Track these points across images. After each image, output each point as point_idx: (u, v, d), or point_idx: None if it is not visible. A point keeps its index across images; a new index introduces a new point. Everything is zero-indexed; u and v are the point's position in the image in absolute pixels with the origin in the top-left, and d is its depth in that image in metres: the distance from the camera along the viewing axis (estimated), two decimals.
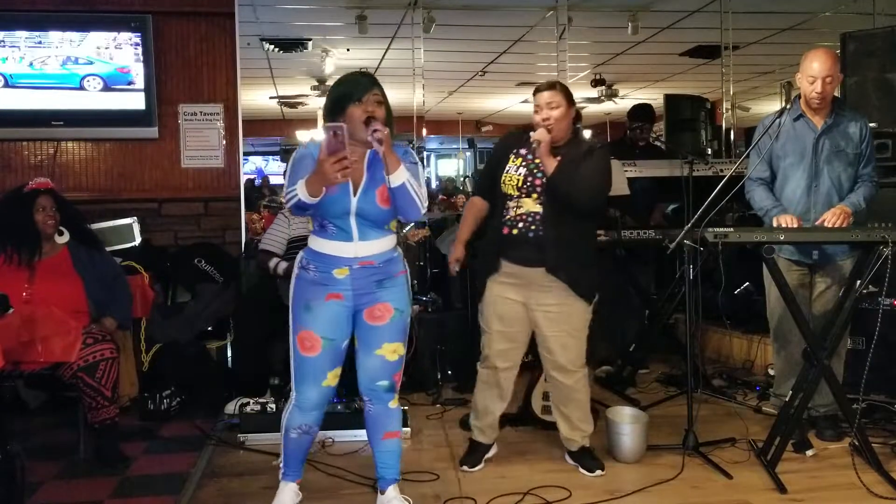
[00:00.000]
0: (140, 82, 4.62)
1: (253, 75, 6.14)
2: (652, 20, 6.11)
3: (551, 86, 2.98)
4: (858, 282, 3.03)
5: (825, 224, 3.12)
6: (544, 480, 2.95)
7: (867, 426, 3.28)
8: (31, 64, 4.56)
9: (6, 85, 4.53)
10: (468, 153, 12.67)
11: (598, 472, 3.03)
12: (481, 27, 6.33)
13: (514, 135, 3.12)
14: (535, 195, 2.93)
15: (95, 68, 4.61)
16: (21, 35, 4.55)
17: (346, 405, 3.46)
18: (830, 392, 3.16)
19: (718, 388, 4.24)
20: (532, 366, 3.48)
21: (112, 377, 3.13)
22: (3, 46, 4.52)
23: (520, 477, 3.02)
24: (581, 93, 8.40)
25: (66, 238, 3.46)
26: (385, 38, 6.19)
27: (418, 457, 3.29)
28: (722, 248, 2.94)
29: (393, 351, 2.53)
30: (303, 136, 9.84)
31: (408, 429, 3.52)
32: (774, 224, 3.20)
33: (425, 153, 6.68)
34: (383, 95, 2.45)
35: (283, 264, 3.79)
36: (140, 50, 4.61)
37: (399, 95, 5.93)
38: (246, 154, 4.98)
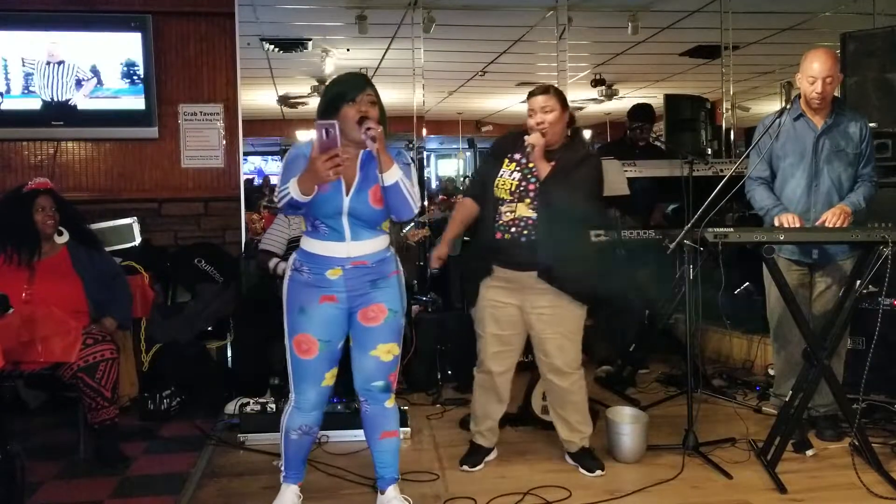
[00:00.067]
0: (140, 82, 4.62)
1: (253, 75, 6.15)
2: (652, 20, 6.11)
3: (545, 90, 2.98)
4: (858, 282, 3.03)
5: (826, 224, 3.12)
6: (544, 480, 2.95)
7: (867, 426, 3.28)
8: (31, 63, 4.56)
9: (6, 84, 4.54)
10: (468, 153, 12.66)
11: (599, 472, 3.03)
12: (481, 27, 6.33)
13: (509, 138, 3.11)
14: (528, 200, 2.93)
15: (95, 68, 4.61)
16: (21, 35, 4.55)
17: (346, 405, 3.46)
18: (830, 392, 3.16)
19: (718, 388, 4.24)
20: (531, 366, 3.47)
21: (112, 378, 3.13)
22: (4, 46, 4.52)
23: (520, 477, 3.02)
24: (581, 93, 8.40)
25: (65, 238, 3.46)
26: (385, 38, 6.19)
27: (418, 457, 3.29)
28: (722, 248, 2.94)
29: (387, 351, 2.53)
30: (303, 136, 9.84)
31: (408, 429, 3.52)
32: (776, 223, 3.21)
33: (425, 153, 6.68)
34: (377, 96, 2.46)
35: (283, 264, 3.79)
36: (140, 50, 4.61)
37: (399, 95, 5.94)
38: (246, 154, 4.97)
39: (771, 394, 3.77)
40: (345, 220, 2.43)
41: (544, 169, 2.88)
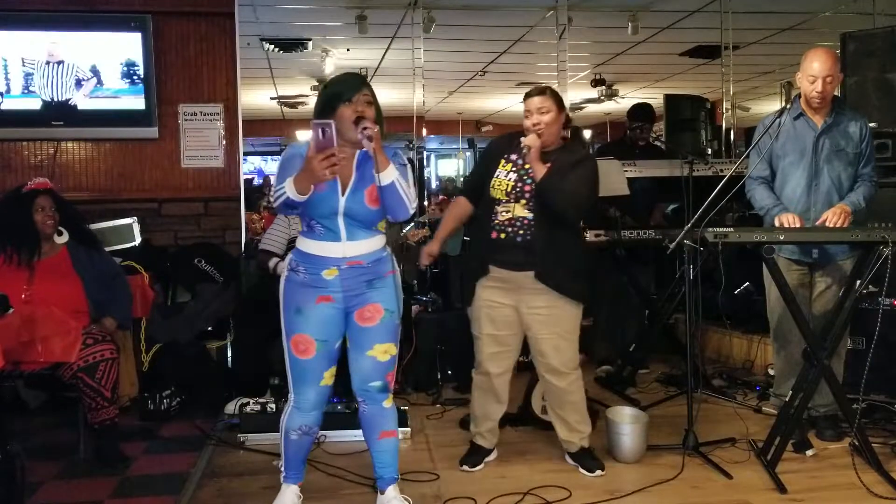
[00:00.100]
0: (140, 82, 4.63)
1: (253, 75, 6.15)
2: (652, 20, 6.11)
3: (541, 91, 2.98)
4: (858, 282, 3.03)
5: (826, 223, 3.12)
6: (544, 480, 2.95)
7: (867, 426, 3.28)
8: (31, 63, 4.56)
9: (6, 84, 4.54)
10: (468, 153, 12.65)
11: (599, 472, 3.03)
12: (481, 27, 6.33)
13: (505, 139, 3.11)
14: (523, 201, 2.94)
15: (95, 68, 4.61)
16: (21, 35, 4.55)
17: (346, 405, 3.46)
18: (830, 392, 3.17)
19: (718, 388, 4.24)
20: (531, 366, 3.47)
21: (112, 378, 3.13)
22: (4, 46, 4.52)
23: (520, 477, 3.02)
24: (581, 93, 8.40)
25: (65, 238, 3.46)
26: (385, 38, 6.19)
27: (418, 457, 3.29)
28: (722, 248, 2.94)
29: (384, 351, 2.53)
30: (303, 136, 9.84)
31: (408, 429, 3.52)
32: (776, 223, 3.21)
33: (425, 153, 6.68)
34: (373, 96, 2.46)
35: (283, 264, 3.79)
36: (140, 50, 4.61)
37: (399, 95, 5.94)
38: (246, 154, 4.97)
39: (771, 394, 3.77)
40: (340, 220, 2.44)
41: (540, 170, 2.88)
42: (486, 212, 3.03)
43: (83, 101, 4.61)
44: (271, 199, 2.40)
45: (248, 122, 4.94)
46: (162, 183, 4.78)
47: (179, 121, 4.78)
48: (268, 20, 5.82)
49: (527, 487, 2.88)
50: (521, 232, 2.92)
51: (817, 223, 3.19)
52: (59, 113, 4.58)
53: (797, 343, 3.27)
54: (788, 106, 3.33)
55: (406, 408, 3.60)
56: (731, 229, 3.02)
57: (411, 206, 2.45)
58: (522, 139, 2.92)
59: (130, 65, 4.62)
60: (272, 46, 6.53)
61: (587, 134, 8.25)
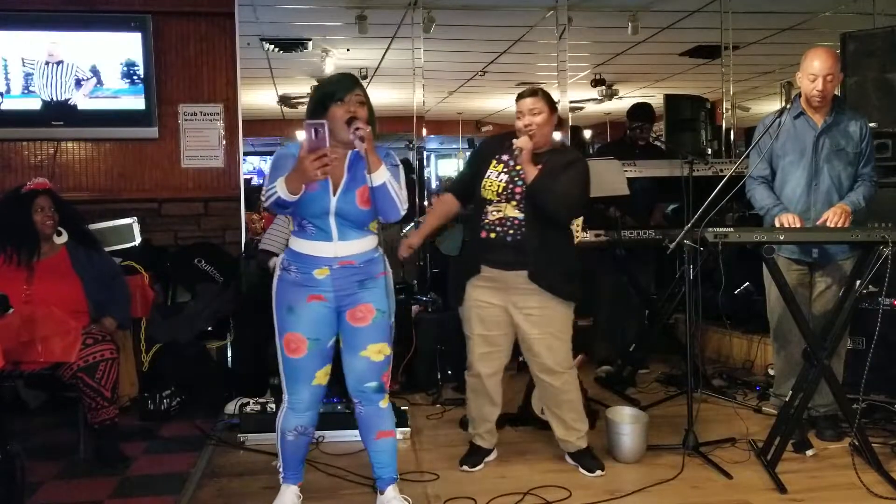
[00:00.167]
0: (140, 82, 4.62)
1: (253, 75, 6.14)
2: (652, 20, 6.10)
3: (533, 92, 2.99)
4: (858, 282, 3.03)
5: (827, 223, 3.12)
6: (544, 480, 2.95)
7: (867, 426, 3.28)
8: (31, 63, 4.56)
9: (6, 84, 4.54)
10: (468, 153, 12.66)
11: (599, 472, 3.03)
12: (481, 27, 6.32)
13: (497, 139, 3.11)
14: (514, 202, 2.94)
15: (95, 68, 4.61)
16: (21, 35, 4.55)
17: (346, 405, 3.46)
18: (830, 392, 3.16)
19: (718, 388, 4.24)
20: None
21: (112, 378, 3.13)
22: (4, 46, 4.52)
23: (520, 477, 3.02)
24: (581, 93, 8.39)
25: (64, 238, 3.46)
26: (385, 38, 6.18)
27: (418, 457, 3.29)
28: (722, 248, 2.94)
29: (378, 351, 2.52)
30: (302, 136, 9.81)
31: (408, 429, 3.52)
32: (776, 223, 3.21)
33: (425, 153, 6.67)
34: (366, 96, 2.47)
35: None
36: (140, 50, 4.61)
37: (399, 95, 5.93)
38: (246, 154, 4.98)
39: (771, 394, 3.77)
40: (332, 220, 2.44)
41: (531, 172, 2.88)
42: (476, 212, 3.03)
43: (83, 101, 4.61)
44: (262, 198, 2.41)
45: (248, 122, 4.94)
46: (162, 183, 4.78)
47: (179, 121, 4.78)
48: (268, 20, 5.81)
49: (527, 487, 2.88)
50: (511, 232, 2.93)
51: (818, 223, 3.19)
52: (59, 113, 4.58)
53: (797, 343, 3.27)
54: (788, 105, 3.33)
55: (406, 408, 3.61)
56: (731, 229, 3.02)
57: (402, 207, 2.45)
58: (514, 140, 2.92)
59: (130, 65, 4.62)
60: (272, 46, 6.53)
61: (587, 134, 8.23)
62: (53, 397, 3.27)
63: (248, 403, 3.50)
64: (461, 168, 3.33)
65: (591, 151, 6.57)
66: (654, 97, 6.35)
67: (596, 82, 8.04)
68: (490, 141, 3.20)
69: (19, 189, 3.42)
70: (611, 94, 8.77)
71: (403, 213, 2.48)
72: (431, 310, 4.62)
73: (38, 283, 3.28)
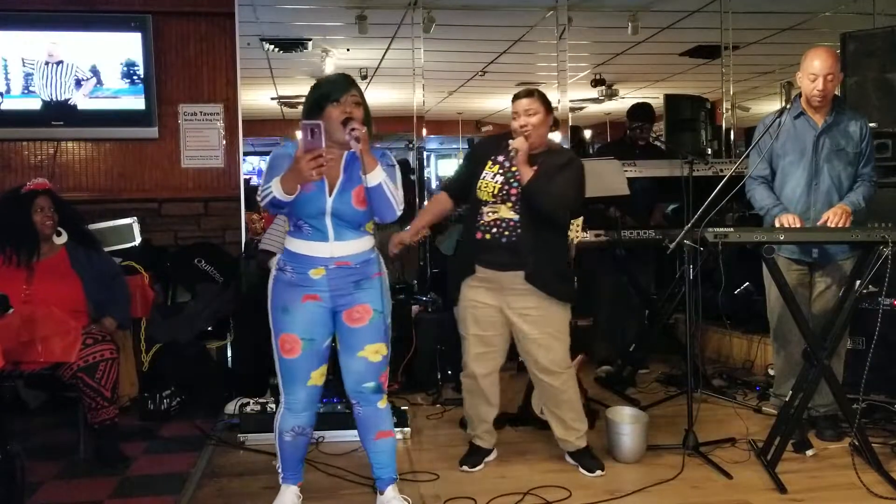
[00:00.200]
0: (140, 82, 4.62)
1: (253, 75, 6.14)
2: (652, 20, 6.10)
3: (529, 93, 2.99)
4: (858, 282, 3.03)
5: (828, 223, 3.12)
6: (544, 480, 2.95)
7: (867, 426, 3.28)
8: (31, 63, 4.56)
9: (6, 84, 4.54)
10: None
11: (599, 472, 3.03)
12: (481, 27, 6.32)
13: (493, 140, 3.11)
14: (509, 203, 2.94)
15: (95, 68, 4.61)
16: (21, 35, 4.55)
17: (346, 405, 3.46)
18: (830, 392, 3.16)
19: (718, 388, 4.24)
20: None
21: (112, 377, 3.13)
22: (4, 46, 4.52)
23: (520, 477, 3.02)
24: (581, 93, 8.39)
25: (64, 238, 3.46)
26: (385, 38, 6.18)
27: (418, 457, 3.29)
28: (722, 248, 2.94)
29: (375, 352, 2.52)
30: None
31: (408, 429, 3.52)
32: (776, 223, 3.21)
33: (425, 153, 6.67)
34: (361, 97, 2.47)
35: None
36: (140, 50, 4.61)
37: (399, 95, 5.93)
38: (246, 154, 4.98)
39: (771, 394, 3.77)
40: (328, 221, 2.44)
41: (527, 173, 2.89)
42: (471, 213, 3.04)
43: (83, 101, 4.61)
44: (258, 198, 2.41)
45: (248, 122, 4.94)
46: (162, 183, 4.78)
47: (179, 121, 4.78)
48: (268, 20, 5.81)
49: (527, 487, 2.88)
50: (506, 233, 2.93)
51: (818, 224, 3.19)
52: (59, 113, 4.58)
53: (797, 343, 3.27)
54: (788, 106, 3.33)
55: (406, 408, 3.61)
56: (731, 229, 3.02)
57: (398, 207, 2.46)
58: (510, 141, 2.92)
59: (130, 65, 4.62)
60: (272, 46, 6.53)
61: (587, 134, 8.23)
62: (53, 397, 3.27)
63: (248, 403, 3.50)
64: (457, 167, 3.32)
65: (591, 151, 6.56)
66: (655, 97, 6.34)
67: (596, 82, 8.04)
68: (486, 141, 3.20)
69: (19, 189, 3.42)
70: (611, 94, 8.76)
71: (399, 213, 2.48)
72: (431, 310, 4.62)
73: (37, 283, 3.28)
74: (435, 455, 3.31)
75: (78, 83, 4.60)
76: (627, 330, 4.72)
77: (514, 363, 3.72)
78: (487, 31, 6.43)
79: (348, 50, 6.75)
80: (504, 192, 2.94)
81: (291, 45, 6.54)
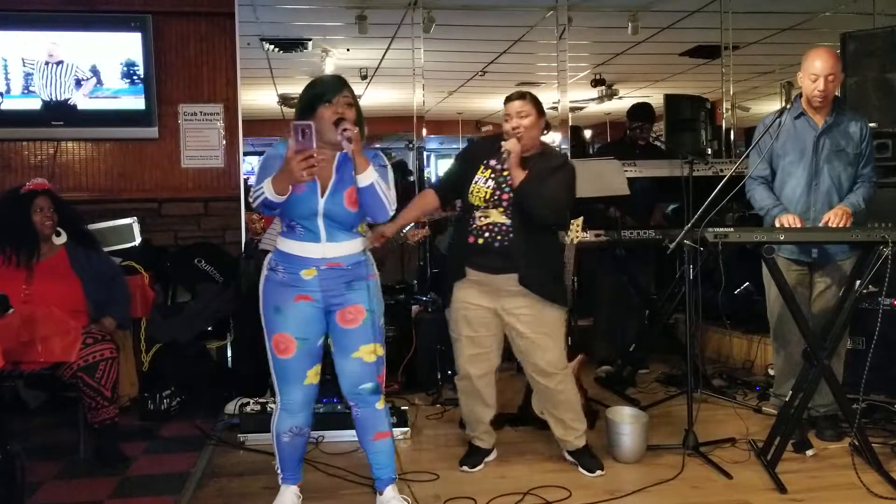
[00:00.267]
0: (140, 82, 4.62)
1: (253, 75, 6.14)
2: (652, 20, 6.10)
3: (521, 95, 2.99)
4: (858, 282, 3.03)
5: (829, 224, 3.12)
6: (544, 480, 2.95)
7: (867, 426, 3.28)
8: (31, 63, 4.56)
9: (6, 84, 4.54)
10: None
11: (598, 472, 3.03)
12: (481, 27, 6.32)
13: (486, 143, 3.10)
14: (500, 208, 2.94)
15: (95, 68, 4.61)
16: (21, 35, 4.55)
17: (346, 405, 3.45)
18: (830, 392, 3.16)
19: (718, 388, 4.24)
20: None
21: (112, 377, 3.13)
22: (4, 46, 4.52)
23: (520, 477, 3.02)
24: (581, 93, 8.39)
25: (63, 239, 3.46)
26: (385, 38, 6.18)
27: (418, 457, 3.29)
28: (722, 248, 2.94)
29: (371, 352, 2.52)
30: None
31: (408, 429, 3.52)
32: (776, 223, 3.21)
33: (425, 153, 6.67)
34: (354, 98, 2.48)
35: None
36: (140, 50, 4.61)
37: (399, 95, 5.93)
38: (246, 154, 4.99)
39: (771, 394, 3.77)
40: (320, 222, 2.45)
41: (519, 176, 2.89)
42: (463, 217, 3.05)
43: (83, 101, 4.61)
44: (250, 199, 2.41)
45: (248, 122, 4.94)
46: (162, 183, 4.78)
47: (179, 121, 4.78)
48: (268, 20, 5.81)
49: (527, 487, 2.88)
50: (498, 237, 2.93)
51: (820, 225, 3.19)
52: (58, 113, 4.58)
53: (797, 343, 3.27)
54: (789, 106, 3.33)
55: (406, 408, 3.60)
56: (731, 229, 3.02)
57: (391, 207, 2.46)
58: (502, 143, 2.92)
59: (130, 65, 4.62)
60: (272, 46, 6.53)
61: (587, 134, 8.24)
62: (53, 397, 3.27)
63: (248, 403, 3.50)
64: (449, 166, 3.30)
65: (591, 151, 6.56)
66: (655, 97, 6.34)
67: (596, 82, 8.03)
68: (478, 144, 3.20)
69: (18, 189, 3.42)
70: (611, 94, 8.76)
71: (392, 213, 2.49)
72: (431, 310, 4.61)
73: (37, 283, 3.28)
74: (435, 455, 3.31)
75: (78, 83, 4.60)
76: (627, 330, 4.72)
77: (514, 363, 3.72)
78: (487, 31, 6.43)
79: (348, 50, 6.74)
80: (495, 197, 2.95)
81: (291, 45, 6.53)
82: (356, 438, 2.69)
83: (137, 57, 4.61)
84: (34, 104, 4.57)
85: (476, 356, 3.04)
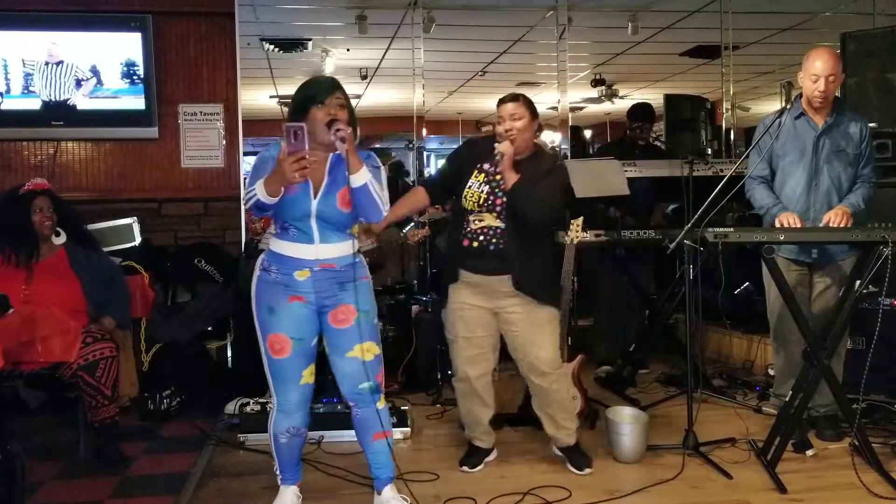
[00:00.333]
0: (140, 82, 4.62)
1: (253, 75, 6.15)
2: (652, 20, 6.10)
3: (515, 98, 3.00)
4: (858, 282, 3.03)
5: (830, 224, 3.12)
6: (544, 480, 2.95)
7: (867, 426, 3.28)
8: (31, 63, 4.56)
9: (6, 84, 4.54)
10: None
11: (588, 469, 3.05)
12: (481, 27, 6.32)
13: (480, 145, 3.09)
14: (494, 213, 2.95)
15: (95, 68, 4.61)
16: (21, 35, 4.55)
17: (346, 405, 3.45)
18: (830, 392, 3.16)
19: (718, 388, 4.24)
20: None
21: (112, 376, 3.13)
22: (4, 46, 4.52)
23: (520, 477, 3.02)
24: (581, 93, 8.39)
25: (62, 239, 3.46)
26: (385, 38, 6.18)
27: (418, 457, 3.29)
28: (722, 248, 2.94)
29: (367, 350, 2.52)
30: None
31: (408, 429, 3.52)
32: (776, 223, 3.21)
33: (425, 153, 6.68)
34: (346, 99, 2.48)
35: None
36: (140, 50, 4.61)
37: (399, 95, 5.93)
38: (246, 154, 4.99)
39: (771, 394, 3.77)
40: (313, 223, 2.45)
41: (511, 178, 2.89)
42: (457, 220, 3.05)
43: (83, 101, 4.61)
44: (243, 201, 2.41)
45: (248, 122, 4.94)
46: (162, 183, 4.78)
47: (179, 121, 4.78)
48: (268, 20, 5.81)
49: (527, 487, 2.88)
50: (493, 241, 2.94)
51: (821, 226, 3.19)
52: (58, 113, 4.58)
53: (797, 343, 3.27)
54: (789, 106, 3.33)
55: (406, 408, 3.60)
56: (731, 229, 3.02)
57: (384, 208, 2.47)
58: (496, 145, 2.92)
59: (130, 65, 4.62)
60: (272, 46, 6.53)
61: (587, 134, 8.24)
62: (53, 397, 3.27)
63: (248, 403, 3.50)
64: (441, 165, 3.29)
65: (591, 151, 6.56)
66: (655, 97, 6.34)
67: (596, 82, 8.03)
68: (471, 144, 3.19)
69: (18, 190, 3.42)
70: (611, 94, 8.76)
71: (385, 213, 2.49)
72: (431, 310, 4.61)
73: (36, 283, 3.28)
74: (435, 455, 3.31)
75: (78, 83, 4.60)
76: (627, 330, 4.72)
77: (514, 363, 3.72)
78: (487, 31, 6.43)
79: (348, 50, 6.74)
80: (489, 201, 2.95)
81: (291, 45, 6.53)
82: (356, 439, 2.69)
83: (137, 57, 4.61)
84: (34, 104, 4.58)
85: (473, 357, 3.05)
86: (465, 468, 3.11)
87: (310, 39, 6.47)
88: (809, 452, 3.22)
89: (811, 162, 3.29)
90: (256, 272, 2.54)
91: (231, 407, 3.71)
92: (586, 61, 7.52)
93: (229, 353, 4.34)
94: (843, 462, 3.11)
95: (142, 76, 4.62)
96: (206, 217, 4.81)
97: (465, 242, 2.98)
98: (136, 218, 4.40)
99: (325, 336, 2.55)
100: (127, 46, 4.60)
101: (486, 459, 3.17)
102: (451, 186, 3.07)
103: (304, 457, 2.78)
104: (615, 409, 3.32)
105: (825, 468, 3.10)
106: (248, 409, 3.47)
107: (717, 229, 2.95)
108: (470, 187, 2.99)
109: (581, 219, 3.27)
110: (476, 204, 2.96)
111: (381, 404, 2.60)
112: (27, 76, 4.56)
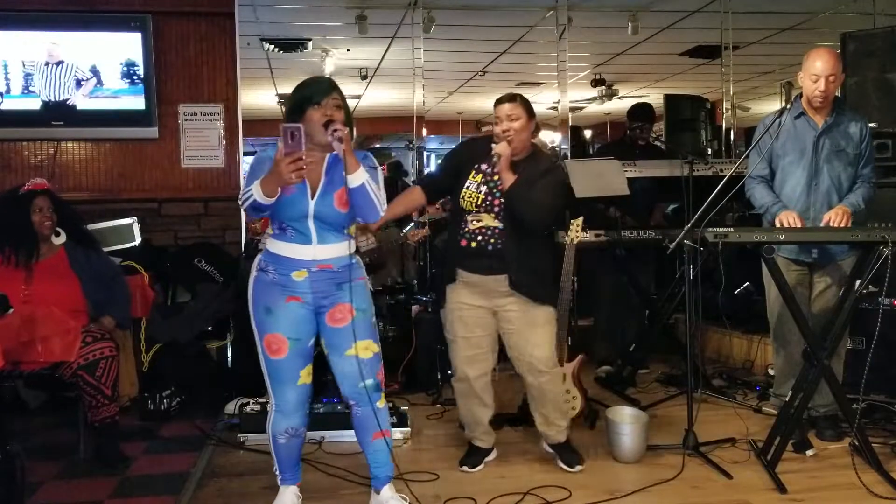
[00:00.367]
0: (140, 82, 4.62)
1: (253, 75, 6.15)
2: (652, 20, 6.10)
3: (512, 98, 3.00)
4: (858, 282, 3.03)
5: (830, 224, 3.12)
6: (544, 480, 2.95)
7: (867, 426, 3.28)
8: (31, 64, 4.56)
9: (6, 84, 4.54)
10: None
11: (578, 466, 3.05)
12: (481, 27, 6.32)
13: (478, 145, 3.09)
14: (492, 214, 2.95)
15: (95, 68, 4.61)
16: (21, 35, 4.55)
17: (346, 405, 3.45)
18: (830, 392, 3.16)
19: (718, 388, 4.24)
20: None
21: (112, 375, 3.13)
22: (4, 46, 4.52)
23: (520, 477, 3.02)
24: (581, 93, 8.39)
25: (62, 239, 3.46)
26: (385, 38, 6.18)
27: (418, 457, 3.29)
28: (722, 248, 2.94)
29: (365, 348, 2.52)
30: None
31: (408, 429, 3.52)
32: (776, 222, 3.21)
33: (425, 153, 6.68)
34: (343, 100, 2.48)
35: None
36: (140, 50, 4.61)
37: (399, 95, 5.93)
38: (246, 154, 4.99)
39: (771, 394, 3.77)
40: (311, 223, 2.45)
41: (508, 179, 2.90)
42: (455, 220, 3.05)
43: (83, 102, 4.61)
44: (240, 201, 2.41)
45: (248, 122, 4.94)
46: (162, 183, 4.78)
47: (179, 121, 4.78)
48: (268, 20, 5.81)
49: (527, 487, 2.88)
50: (491, 241, 2.94)
51: (822, 225, 3.19)
52: (58, 113, 4.58)
53: (797, 343, 3.27)
54: (789, 106, 3.33)
55: (406, 408, 3.61)
56: (731, 229, 3.02)
57: (381, 208, 2.47)
58: (493, 146, 2.92)
59: (130, 65, 4.62)
60: (272, 46, 6.53)
61: (587, 134, 8.24)
62: (53, 397, 3.27)
63: (248, 403, 3.50)
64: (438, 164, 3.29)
65: (591, 151, 6.56)
66: (655, 97, 6.35)
67: (596, 82, 8.03)
68: (469, 145, 3.20)
69: (17, 190, 3.42)
70: (611, 94, 8.76)
71: (382, 213, 2.50)
72: (431, 310, 4.61)
73: (36, 283, 3.28)
74: (435, 455, 3.31)
75: (78, 83, 4.60)
76: (627, 330, 4.72)
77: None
78: (487, 31, 6.43)
79: (348, 50, 6.75)
80: (487, 202, 2.95)
81: (291, 45, 6.54)
82: (356, 439, 2.69)
83: (137, 57, 4.61)
84: (34, 104, 4.57)
85: (472, 357, 3.05)
86: (465, 468, 3.11)
87: (310, 39, 6.47)
88: (809, 452, 3.22)
89: (811, 162, 3.29)
90: (253, 272, 2.54)
91: (231, 407, 3.71)
92: (586, 61, 7.53)
93: (229, 353, 4.34)
94: (843, 462, 3.11)
95: (142, 76, 4.62)
96: (206, 217, 4.81)
97: (464, 242, 2.98)
98: (136, 218, 4.40)
99: (322, 336, 2.55)
100: (127, 46, 4.60)
101: (486, 459, 3.17)
102: (447, 187, 3.08)
103: (304, 457, 2.78)
104: (615, 409, 3.32)
105: (825, 468, 3.10)
106: (248, 409, 3.47)
107: (717, 229, 2.95)
108: (468, 188, 2.99)
109: (581, 219, 3.27)
110: (474, 204, 2.96)
111: (382, 403, 2.60)
112: (27, 76, 4.56)
